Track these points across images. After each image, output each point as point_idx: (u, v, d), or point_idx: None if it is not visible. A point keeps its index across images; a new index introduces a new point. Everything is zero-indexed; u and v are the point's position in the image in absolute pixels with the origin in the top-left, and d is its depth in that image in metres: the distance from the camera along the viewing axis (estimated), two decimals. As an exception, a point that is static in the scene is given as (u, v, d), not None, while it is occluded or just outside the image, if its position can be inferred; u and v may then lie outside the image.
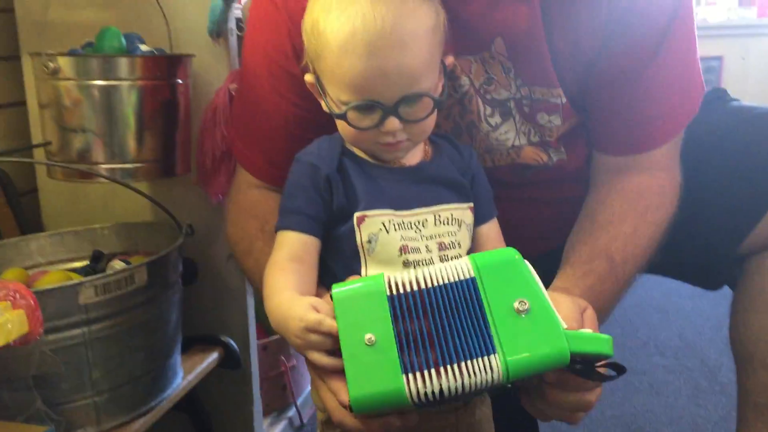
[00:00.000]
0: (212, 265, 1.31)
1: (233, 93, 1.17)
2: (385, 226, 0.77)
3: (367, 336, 0.65)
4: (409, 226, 0.78)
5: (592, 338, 0.68)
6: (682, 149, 1.00)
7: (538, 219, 1.08)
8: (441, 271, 0.69)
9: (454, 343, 0.66)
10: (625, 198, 0.96)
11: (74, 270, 1.16)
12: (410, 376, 0.64)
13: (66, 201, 1.37)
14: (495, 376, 0.64)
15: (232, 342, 1.29)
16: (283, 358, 1.56)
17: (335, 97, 0.77)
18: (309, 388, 1.67)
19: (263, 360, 1.48)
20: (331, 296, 0.68)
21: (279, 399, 1.58)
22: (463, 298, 0.67)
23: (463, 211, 0.82)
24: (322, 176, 0.79)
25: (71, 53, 1.10)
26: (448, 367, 0.65)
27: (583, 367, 0.68)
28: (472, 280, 0.68)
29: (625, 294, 0.95)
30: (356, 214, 0.77)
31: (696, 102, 0.99)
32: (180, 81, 1.15)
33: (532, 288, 0.67)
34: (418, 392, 0.64)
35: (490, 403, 0.87)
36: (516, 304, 0.66)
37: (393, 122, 0.76)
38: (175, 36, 1.23)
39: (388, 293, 0.67)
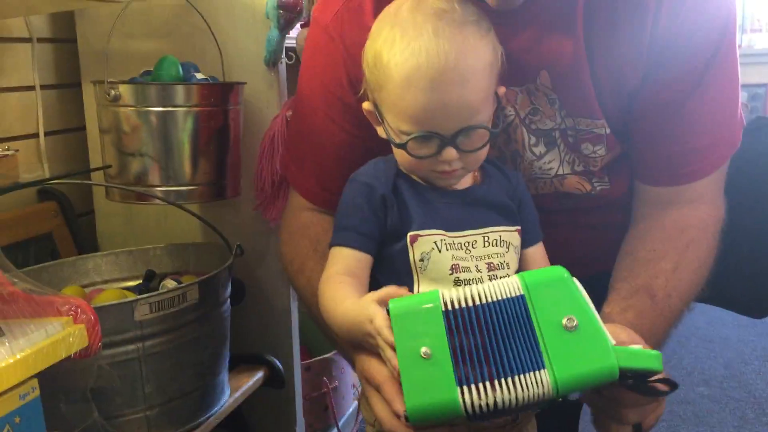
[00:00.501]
0: (259, 286, 1.35)
1: (288, 120, 1.22)
2: (437, 245, 0.80)
3: (423, 349, 0.67)
4: (459, 247, 0.81)
5: (641, 354, 0.69)
6: (729, 175, 1.00)
7: (580, 244, 1.08)
8: (491, 288, 0.71)
9: (507, 357, 0.68)
10: (666, 234, 0.96)
11: (128, 288, 1.21)
12: (465, 388, 0.66)
13: (121, 222, 1.43)
14: (545, 390, 0.66)
15: (277, 362, 1.32)
16: (325, 379, 1.58)
17: (395, 127, 0.81)
18: (350, 409, 1.69)
19: (306, 380, 1.51)
20: (388, 311, 0.70)
21: (321, 419, 1.60)
22: (513, 315, 0.69)
23: (511, 234, 0.84)
24: (377, 195, 0.82)
25: (131, 81, 1.16)
26: (502, 380, 0.67)
27: (635, 383, 0.70)
28: (522, 297, 0.69)
29: (672, 329, 0.94)
30: (409, 234, 0.80)
31: (738, 134, 0.99)
32: (232, 107, 1.20)
33: (581, 305, 0.69)
34: (472, 404, 0.66)
35: (535, 424, 0.88)
36: (565, 321, 0.68)
37: (450, 152, 0.79)
38: (228, 64, 1.29)
39: (443, 309, 0.69)
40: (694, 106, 0.93)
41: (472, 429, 0.74)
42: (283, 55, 1.33)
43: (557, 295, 0.69)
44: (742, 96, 3.46)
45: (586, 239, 1.09)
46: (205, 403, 1.11)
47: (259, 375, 1.28)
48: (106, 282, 1.27)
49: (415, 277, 0.80)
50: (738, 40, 3.52)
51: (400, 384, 0.68)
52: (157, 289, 1.16)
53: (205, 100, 1.15)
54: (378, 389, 0.74)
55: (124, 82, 1.13)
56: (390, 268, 0.82)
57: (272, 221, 1.24)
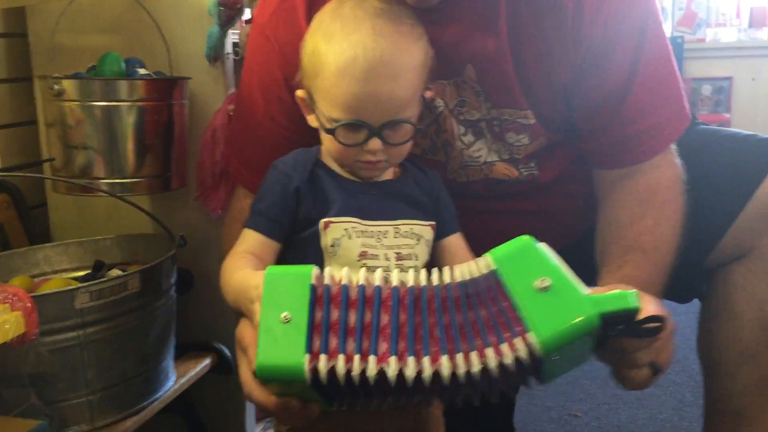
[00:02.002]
0: (208, 275, 1.38)
1: (231, 114, 1.26)
2: (347, 232, 0.85)
3: (284, 314, 0.71)
4: (370, 235, 0.86)
5: (615, 295, 0.71)
6: None
7: (514, 230, 1.12)
8: (460, 271, 0.75)
9: (422, 336, 0.71)
10: (641, 197, 1.02)
11: (76, 278, 1.24)
12: (314, 356, 0.69)
13: (73, 214, 1.46)
14: (532, 352, 0.68)
15: (225, 349, 1.35)
16: (278, 366, 1.61)
17: (327, 114, 0.86)
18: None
19: (258, 367, 1.54)
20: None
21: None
22: (488, 289, 0.73)
23: (423, 228, 0.89)
24: (292, 187, 0.87)
25: (75, 76, 1.19)
26: (391, 359, 0.69)
27: (626, 328, 0.73)
28: (494, 272, 0.73)
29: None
30: (323, 220, 0.85)
31: (686, 108, 1.04)
32: (176, 101, 1.23)
33: (549, 265, 0.72)
34: (317, 373, 0.69)
35: (440, 405, 0.92)
36: (537, 283, 0.71)
37: (376, 143, 0.85)
38: (176, 60, 1.32)
39: (313, 281, 0.73)
40: (637, 90, 0.99)
41: (370, 413, 0.79)
42: (231, 51, 1.36)
43: (526, 262, 0.73)
44: (706, 89, 3.48)
45: (520, 226, 1.13)
46: (149, 388, 1.14)
47: (206, 362, 1.31)
48: (56, 272, 1.29)
49: (326, 262, 0.85)
50: (703, 34, 3.55)
51: None
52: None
53: (149, 95, 1.19)
54: (245, 351, 0.79)
55: (67, 77, 1.16)
56: (302, 252, 0.87)
57: (213, 211, 1.28)
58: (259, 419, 1.52)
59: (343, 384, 0.70)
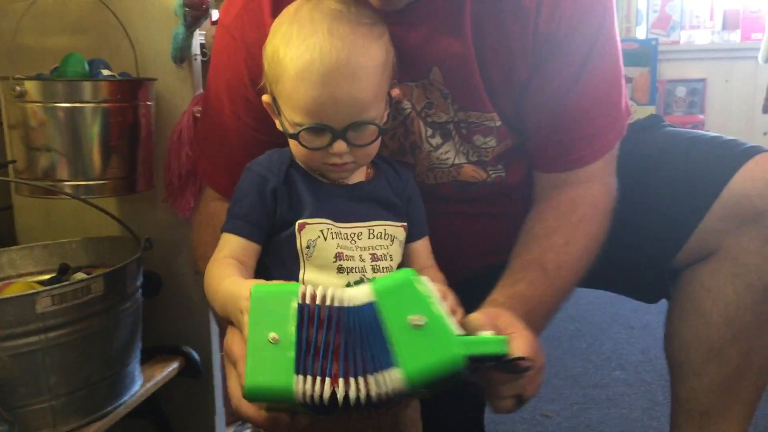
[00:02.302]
0: (176, 278, 1.37)
1: (197, 116, 1.25)
2: (323, 233, 0.85)
3: (272, 335, 0.71)
4: (345, 237, 0.85)
5: (486, 340, 0.75)
6: (620, 170, 1.06)
7: (482, 233, 1.14)
8: (348, 294, 0.75)
9: (360, 358, 0.73)
10: (559, 211, 1.02)
11: (41, 282, 1.22)
12: (303, 377, 0.71)
13: (39, 217, 1.44)
14: (399, 385, 0.72)
15: (193, 352, 1.35)
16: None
17: (290, 119, 0.85)
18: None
19: (229, 371, 1.53)
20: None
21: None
22: (366, 320, 0.74)
23: (396, 228, 0.89)
24: (269, 188, 0.87)
25: (37, 77, 1.17)
26: (351, 379, 0.72)
27: (496, 364, 0.76)
28: (372, 304, 0.75)
29: (564, 299, 1.00)
30: (298, 221, 0.85)
31: (623, 124, 1.05)
32: (142, 103, 1.22)
33: (426, 303, 0.74)
34: (305, 393, 0.71)
35: (417, 407, 0.93)
36: (412, 320, 0.73)
37: (341, 145, 0.84)
38: (142, 61, 1.30)
39: (300, 301, 0.73)
40: (576, 98, 0.99)
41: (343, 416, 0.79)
42: (198, 52, 1.35)
43: (404, 297, 0.75)
44: (680, 91, 3.51)
45: (488, 229, 1.14)
46: (114, 392, 1.13)
47: (174, 366, 1.30)
48: (21, 276, 1.28)
49: (301, 263, 0.85)
50: (677, 36, 3.58)
51: None
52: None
53: (114, 96, 1.17)
54: (234, 364, 0.78)
55: (29, 78, 1.14)
56: (278, 254, 0.87)
57: (181, 213, 1.27)
58: (228, 423, 1.51)
59: (328, 401, 0.72)
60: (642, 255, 1.11)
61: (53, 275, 1.27)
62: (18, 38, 1.21)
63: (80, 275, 1.19)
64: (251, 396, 0.72)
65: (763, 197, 1.00)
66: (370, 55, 0.84)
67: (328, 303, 0.74)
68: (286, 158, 0.90)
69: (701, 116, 3.41)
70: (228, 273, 0.83)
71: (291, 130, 0.85)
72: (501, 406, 0.83)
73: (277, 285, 0.77)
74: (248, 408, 0.76)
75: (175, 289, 1.37)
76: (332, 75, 0.81)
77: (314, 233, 0.85)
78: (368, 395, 0.72)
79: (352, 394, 0.71)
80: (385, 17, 0.90)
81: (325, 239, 0.84)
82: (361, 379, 0.72)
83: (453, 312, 0.79)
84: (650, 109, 3.20)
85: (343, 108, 0.83)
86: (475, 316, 0.81)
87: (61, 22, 1.36)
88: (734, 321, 1.04)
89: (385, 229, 0.88)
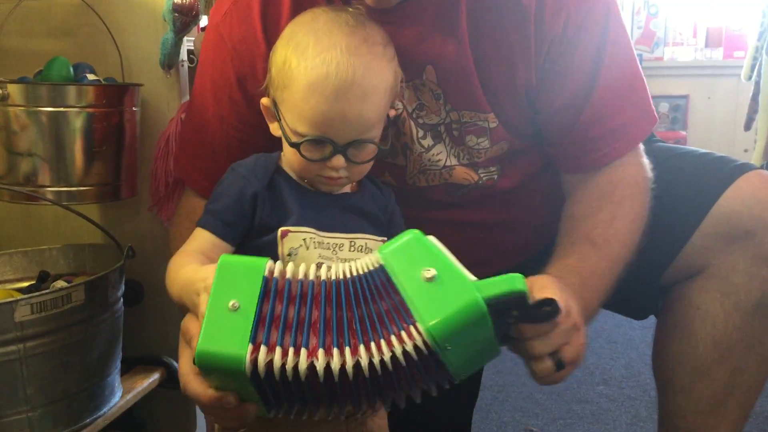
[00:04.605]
0: (157, 287, 1.33)
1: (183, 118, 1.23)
2: (305, 242, 0.84)
3: (232, 302, 0.70)
4: (327, 247, 0.85)
5: (500, 279, 0.72)
6: None
7: (474, 243, 1.12)
8: (352, 266, 0.76)
9: (367, 325, 0.72)
10: (600, 192, 1.01)
11: (19, 289, 1.20)
12: (255, 347, 0.69)
13: (18, 223, 1.41)
14: (420, 343, 0.69)
15: (174, 363, 1.32)
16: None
17: (293, 127, 0.85)
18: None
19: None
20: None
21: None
22: (379, 284, 0.74)
23: (377, 243, 0.88)
24: (250, 192, 0.86)
25: (20, 81, 1.15)
26: (337, 350, 0.70)
27: (520, 314, 0.73)
28: (382, 267, 0.74)
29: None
30: (281, 228, 0.84)
31: (652, 109, 1.04)
32: (127, 108, 1.20)
33: (435, 255, 0.73)
34: (257, 364, 0.68)
35: (384, 415, 0.91)
36: (423, 274, 0.71)
37: (339, 160, 0.84)
38: (128, 66, 1.29)
39: (266, 274, 0.73)
40: (601, 90, 0.98)
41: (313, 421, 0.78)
42: (185, 58, 1.34)
43: (413, 254, 0.74)
44: (663, 107, 3.54)
45: (479, 239, 1.13)
46: (93, 404, 1.10)
47: (155, 377, 1.28)
48: (-1, 283, 1.25)
49: None
50: (660, 53, 3.62)
51: None
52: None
53: (98, 101, 1.15)
54: (189, 342, 0.77)
55: (12, 82, 1.12)
56: None
57: (167, 221, 1.25)
58: (210, 435, 1.48)
59: (279, 380, 0.69)
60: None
61: (32, 283, 1.24)
62: (1, 41, 1.19)
63: (61, 283, 1.17)
64: (201, 363, 0.70)
65: (753, 215, 1.00)
66: (383, 76, 0.85)
67: (301, 277, 0.73)
68: (272, 163, 0.90)
69: (683, 132, 3.44)
70: (188, 262, 0.82)
71: (293, 139, 0.85)
72: (540, 369, 0.79)
73: (246, 257, 0.76)
74: (197, 385, 0.74)
75: (156, 298, 1.35)
76: (345, 92, 0.82)
77: (297, 241, 0.84)
78: (380, 366, 0.69)
79: (335, 365, 0.69)
80: (377, 16, 0.90)
81: (308, 248, 0.84)
82: (372, 345, 0.70)
83: None
84: (634, 124, 3.21)
85: (350, 125, 0.83)
86: (537, 279, 0.80)
87: (46, 25, 1.34)
88: (722, 340, 1.03)
89: (366, 243, 0.88)
